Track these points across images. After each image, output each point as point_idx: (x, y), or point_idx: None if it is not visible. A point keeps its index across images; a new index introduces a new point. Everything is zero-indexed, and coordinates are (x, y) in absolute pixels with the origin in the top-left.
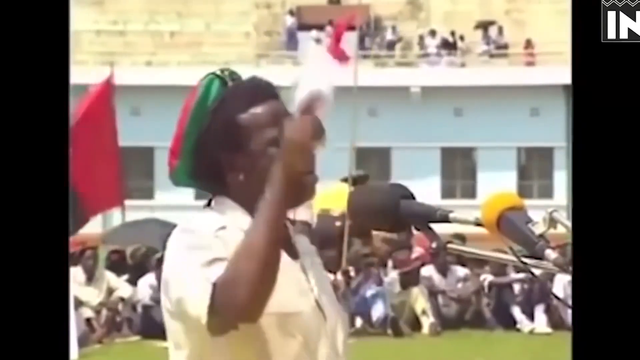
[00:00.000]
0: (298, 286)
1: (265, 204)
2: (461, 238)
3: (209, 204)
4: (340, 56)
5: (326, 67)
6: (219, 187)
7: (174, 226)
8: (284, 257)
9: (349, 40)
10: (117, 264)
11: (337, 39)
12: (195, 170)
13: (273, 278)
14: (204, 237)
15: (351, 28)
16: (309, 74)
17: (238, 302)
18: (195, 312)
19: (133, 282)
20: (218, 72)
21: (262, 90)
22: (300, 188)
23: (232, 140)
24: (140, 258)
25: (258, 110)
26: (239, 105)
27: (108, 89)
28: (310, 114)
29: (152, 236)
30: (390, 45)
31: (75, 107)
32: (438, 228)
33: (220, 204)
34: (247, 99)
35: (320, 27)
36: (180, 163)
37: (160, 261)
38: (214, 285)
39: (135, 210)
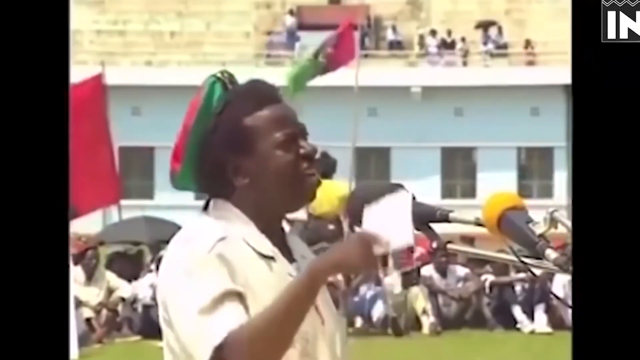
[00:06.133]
0: None
1: (289, 295)
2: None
3: (205, 208)
4: (351, 55)
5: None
6: (222, 191)
7: (163, 223)
8: (280, 259)
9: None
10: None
11: (348, 38)
12: (199, 173)
13: (283, 352)
14: (202, 257)
15: (354, 27)
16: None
17: None
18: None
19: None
20: (219, 75)
21: (266, 94)
22: (302, 191)
23: (239, 144)
24: (136, 257)
25: (264, 113)
26: (244, 109)
27: (98, 85)
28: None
29: (142, 234)
30: (390, 45)
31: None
32: (438, 228)
33: (219, 208)
34: (252, 102)
35: (320, 27)
36: (183, 166)
37: (160, 261)
38: (223, 341)
39: (135, 210)
